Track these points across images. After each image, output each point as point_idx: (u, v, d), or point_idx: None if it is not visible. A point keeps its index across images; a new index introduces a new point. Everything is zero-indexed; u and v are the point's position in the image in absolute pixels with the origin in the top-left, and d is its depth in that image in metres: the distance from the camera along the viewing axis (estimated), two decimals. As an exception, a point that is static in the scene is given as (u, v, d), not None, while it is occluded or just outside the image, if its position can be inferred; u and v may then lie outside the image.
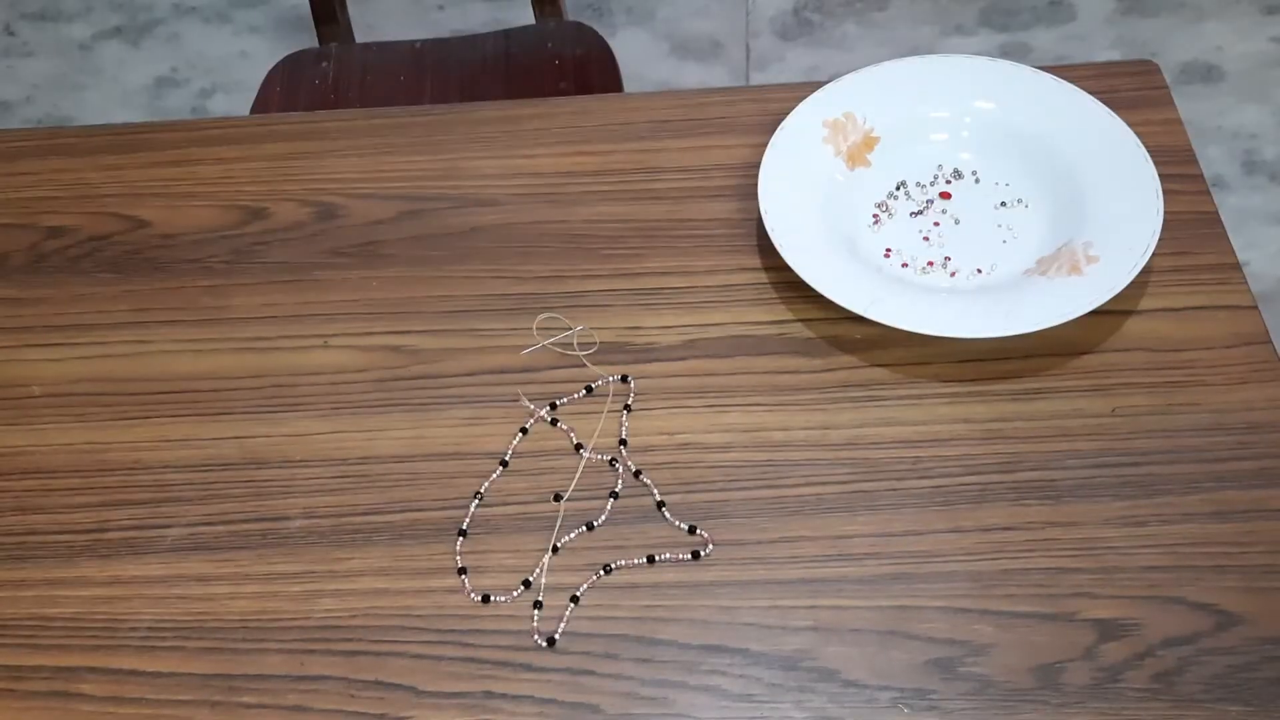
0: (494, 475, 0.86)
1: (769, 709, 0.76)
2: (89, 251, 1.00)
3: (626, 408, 0.88)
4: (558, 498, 0.84)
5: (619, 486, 0.85)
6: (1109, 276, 0.89)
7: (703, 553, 0.81)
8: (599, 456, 0.86)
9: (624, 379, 0.90)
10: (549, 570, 0.82)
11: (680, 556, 0.81)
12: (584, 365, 0.90)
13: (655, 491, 0.84)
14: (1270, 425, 0.84)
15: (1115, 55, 2.14)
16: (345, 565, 0.83)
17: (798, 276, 0.90)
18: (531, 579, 0.81)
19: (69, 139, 1.08)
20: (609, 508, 0.84)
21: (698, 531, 0.82)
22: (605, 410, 0.89)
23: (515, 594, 0.81)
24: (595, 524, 0.83)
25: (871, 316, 0.88)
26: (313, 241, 1.00)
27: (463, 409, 0.89)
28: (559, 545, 0.83)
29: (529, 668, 0.78)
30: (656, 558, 0.82)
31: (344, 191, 1.03)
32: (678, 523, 0.83)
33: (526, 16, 1.60)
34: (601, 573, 0.81)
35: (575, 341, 0.91)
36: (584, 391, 0.89)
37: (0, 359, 0.94)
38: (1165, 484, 0.82)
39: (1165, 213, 0.91)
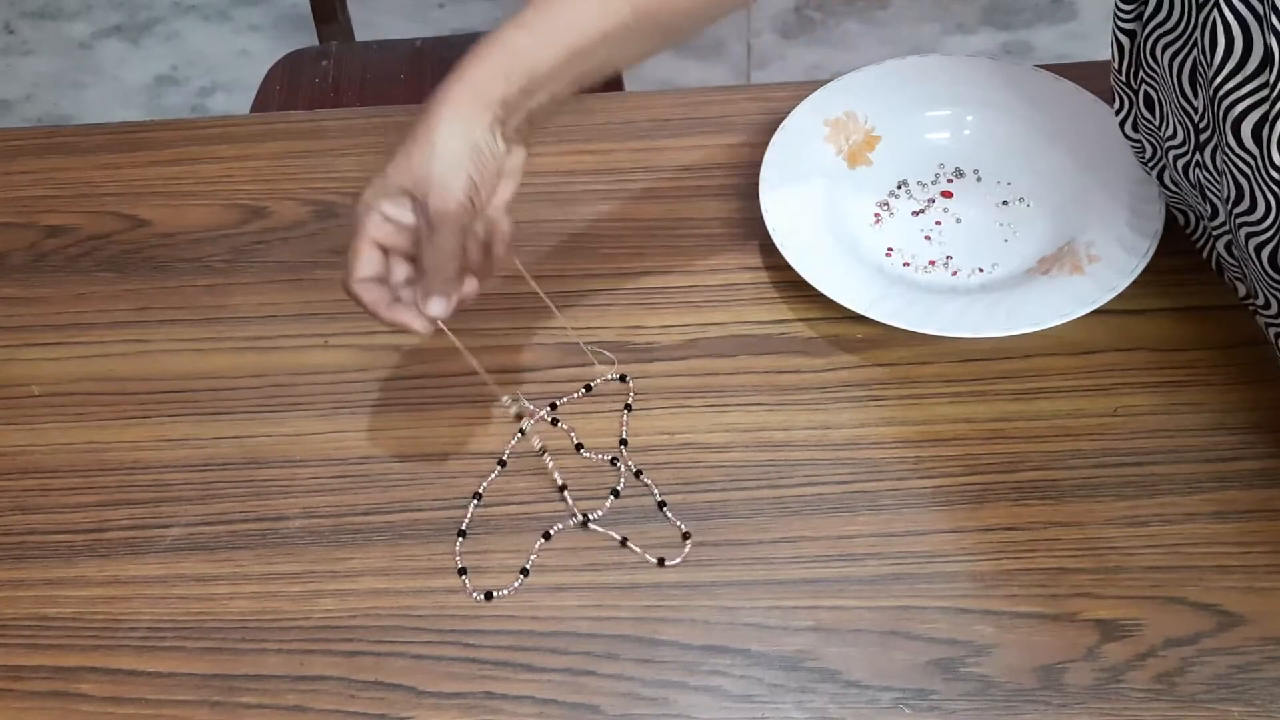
0: (492, 475, 0.86)
1: (770, 709, 0.75)
2: (89, 250, 1.00)
3: (627, 407, 0.88)
4: (563, 489, 0.84)
5: (620, 484, 0.85)
6: (1111, 276, 0.88)
7: (668, 561, 0.81)
8: (599, 456, 0.86)
9: (622, 378, 0.89)
10: (549, 570, 0.81)
11: (649, 557, 0.81)
12: (583, 366, 0.90)
13: (656, 491, 0.84)
14: (1272, 425, 0.84)
15: (1117, 53, 2.14)
16: (345, 565, 0.82)
17: (799, 276, 0.90)
18: (529, 567, 0.81)
19: (69, 138, 1.08)
20: (609, 504, 0.84)
21: (688, 539, 0.82)
22: (604, 410, 0.88)
23: (516, 585, 0.81)
24: (591, 517, 0.83)
25: (873, 316, 0.87)
26: (313, 240, 0.99)
27: (463, 409, 0.89)
28: (552, 532, 0.83)
29: (529, 668, 0.78)
30: (627, 541, 0.82)
31: (344, 190, 1.02)
32: (679, 523, 0.83)
33: (527, 15, 1.59)
34: (574, 520, 0.81)
35: (584, 345, 0.90)
36: (584, 390, 0.89)
37: (0, 358, 0.94)
38: (1167, 484, 0.82)
39: (1167, 212, 0.91)
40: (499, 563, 0.82)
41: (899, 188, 0.98)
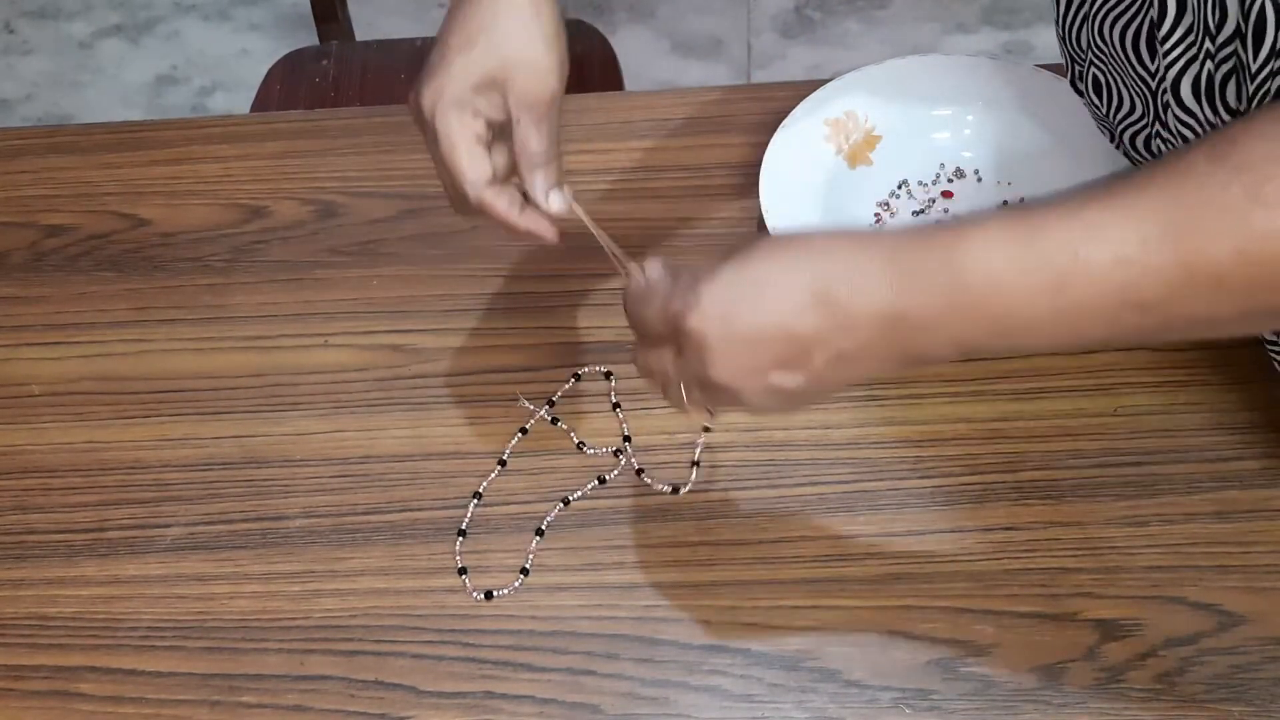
0: (492, 475, 0.85)
1: (770, 709, 0.75)
2: (89, 250, 1.00)
3: (616, 405, 0.88)
4: (566, 502, 0.84)
5: (614, 473, 0.85)
6: (1111, 275, 0.88)
7: (683, 488, 0.84)
8: (604, 450, 0.86)
9: (607, 375, 0.89)
10: (549, 570, 0.81)
11: (662, 487, 0.82)
12: (581, 366, 0.90)
13: (655, 488, 0.84)
14: (1272, 424, 0.84)
15: (1117, 53, 2.14)
16: (345, 565, 0.82)
17: (799, 275, 0.90)
18: (529, 566, 0.81)
19: (69, 137, 1.08)
20: (590, 488, 0.84)
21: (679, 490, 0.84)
22: (604, 410, 0.88)
23: (516, 584, 0.81)
24: (571, 498, 0.84)
25: (873, 315, 0.87)
26: (313, 240, 0.99)
27: (463, 408, 0.89)
28: (543, 529, 0.83)
29: (529, 668, 0.78)
30: (607, 478, 0.84)
31: (344, 190, 1.02)
32: (662, 487, 0.83)
33: (527, 14, 1.59)
34: (561, 505, 0.83)
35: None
36: (572, 380, 0.89)
37: (0, 357, 0.94)
38: (1167, 483, 0.82)
39: (1167, 212, 0.91)
40: (499, 562, 0.82)
41: (899, 188, 0.98)
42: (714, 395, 0.64)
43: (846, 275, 0.60)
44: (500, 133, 0.72)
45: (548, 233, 0.73)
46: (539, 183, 0.72)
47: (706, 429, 0.76)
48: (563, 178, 0.73)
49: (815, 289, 0.60)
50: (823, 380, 0.62)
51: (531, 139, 0.70)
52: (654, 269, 0.65)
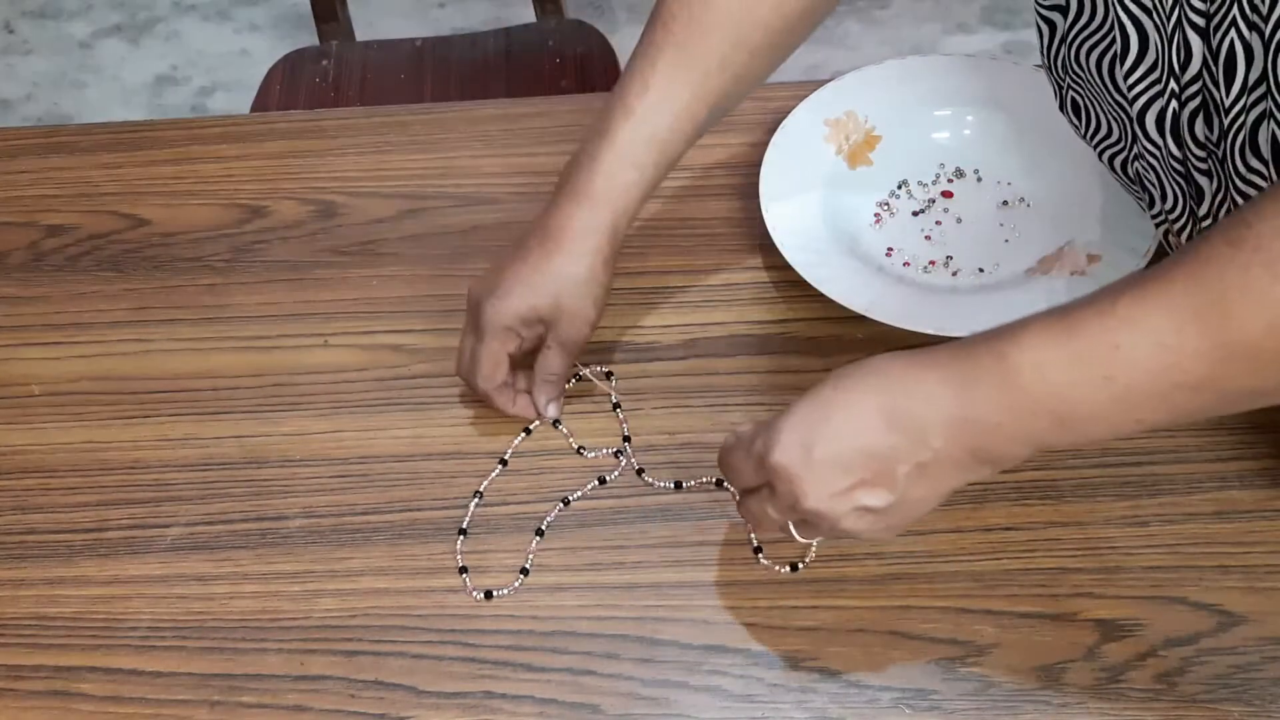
0: (493, 474, 0.86)
1: (770, 709, 0.75)
2: (89, 250, 1.00)
3: (616, 405, 0.88)
4: (566, 502, 0.84)
5: (614, 474, 0.85)
6: (1111, 276, 0.88)
7: (684, 484, 0.84)
8: (605, 451, 0.86)
9: (608, 375, 0.89)
10: (549, 570, 0.81)
11: (662, 484, 0.81)
12: (583, 366, 0.90)
13: (656, 486, 0.84)
14: (1272, 424, 0.84)
15: (1117, 53, 2.14)
16: (345, 565, 0.82)
17: (799, 276, 0.90)
18: (529, 566, 0.81)
19: (69, 137, 1.08)
20: (590, 488, 0.84)
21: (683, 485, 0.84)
22: (604, 410, 0.88)
23: (516, 584, 0.81)
24: (571, 498, 0.84)
25: (873, 316, 0.87)
26: (313, 240, 0.99)
27: (463, 408, 0.89)
28: (544, 529, 0.83)
29: (529, 668, 0.78)
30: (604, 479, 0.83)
31: (344, 190, 1.02)
32: (663, 484, 0.83)
33: (527, 14, 1.59)
34: (561, 506, 0.83)
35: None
36: (573, 380, 0.89)
37: (0, 357, 0.94)
38: (1167, 483, 0.82)
39: (1167, 212, 0.91)
40: (499, 562, 0.82)
41: (899, 188, 0.98)
42: (812, 525, 0.70)
43: (910, 391, 0.66)
44: (529, 341, 0.86)
45: (530, 414, 0.88)
46: (543, 395, 0.87)
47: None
48: (562, 394, 0.87)
49: (884, 408, 0.66)
50: (908, 496, 0.67)
51: (555, 364, 0.85)
52: (742, 427, 0.72)
